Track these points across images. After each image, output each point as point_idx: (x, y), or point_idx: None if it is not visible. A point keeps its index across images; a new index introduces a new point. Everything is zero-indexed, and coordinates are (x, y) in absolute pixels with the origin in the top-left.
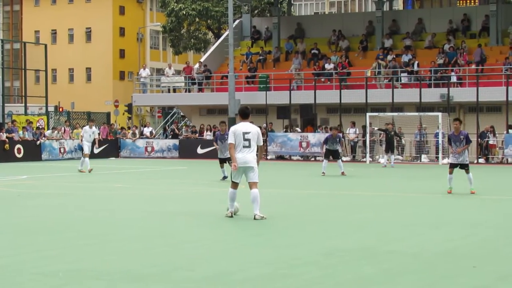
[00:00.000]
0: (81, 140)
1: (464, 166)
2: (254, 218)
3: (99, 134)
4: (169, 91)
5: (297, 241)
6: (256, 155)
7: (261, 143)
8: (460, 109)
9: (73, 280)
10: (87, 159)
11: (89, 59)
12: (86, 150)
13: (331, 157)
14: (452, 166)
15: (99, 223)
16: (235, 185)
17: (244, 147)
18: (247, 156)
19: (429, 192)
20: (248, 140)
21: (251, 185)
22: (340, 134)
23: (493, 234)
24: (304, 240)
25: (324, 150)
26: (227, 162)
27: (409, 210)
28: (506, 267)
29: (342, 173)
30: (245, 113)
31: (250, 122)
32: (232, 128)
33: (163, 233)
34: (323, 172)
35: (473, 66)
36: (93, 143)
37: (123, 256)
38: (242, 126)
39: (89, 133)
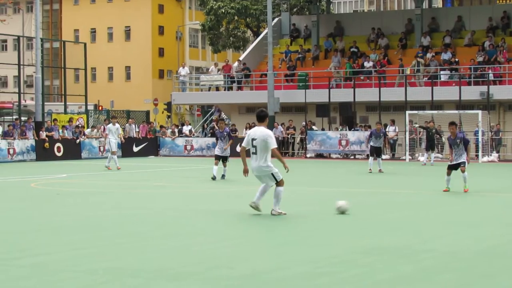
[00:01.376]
0: (105, 138)
1: (460, 164)
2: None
3: (138, 132)
4: (209, 90)
5: (334, 239)
6: (267, 164)
7: (273, 146)
8: (500, 107)
9: (112, 278)
10: (115, 156)
11: (128, 58)
12: (114, 147)
13: (375, 155)
14: (450, 168)
15: (138, 221)
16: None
17: (252, 153)
18: (255, 165)
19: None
20: (255, 147)
21: (276, 184)
22: (384, 130)
23: None
24: (341, 238)
25: (368, 147)
26: (221, 160)
27: (446, 208)
28: None
29: (380, 170)
30: (259, 116)
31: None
32: (248, 131)
33: (201, 231)
34: (370, 169)
35: None
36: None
37: (162, 254)
38: (254, 131)
39: (113, 131)
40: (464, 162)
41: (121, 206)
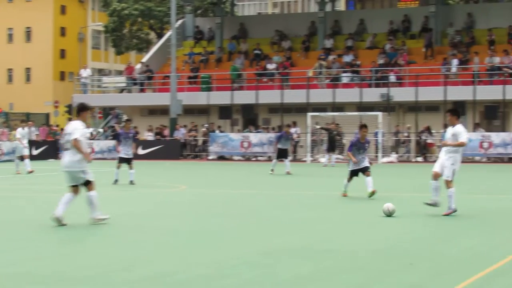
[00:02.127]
0: (20, 142)
1: (366, 169)
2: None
3: (37, 135)
4: (122, 91)
5: (237, 241)
6: (78, 160)
7: (72, 137)
8: (399, 109)
9: (8, 285)
10: (27, 160)
11: (28, 59)
12: (26, 151)
13: (281, 157)
14: (353, 174)
15: (33, 226)
16: (71, 188)
17: (65, 149)
18: (66, 161)
19: (366, 191)
20: (68, 142)
21: (87, 188)
22: (292, 131)
23: (426, 232)
24: (243, 239)
25: (276, 148)
26: (126, 163)
27: (346, 209)
28: (441, 264)
29: (288, 172)
30: (77, 109)
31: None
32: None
33: (97, 234)
34: (272, 170)
35: (423, 49)
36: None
37: (58, 258)
38: (67, 126)
39: (23, 134)
40: (368, 166)
41: (16, 210)
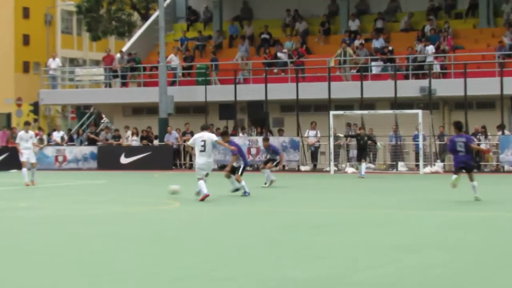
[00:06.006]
0: (19, 149)
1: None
2: None
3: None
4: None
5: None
6: None
7: None
8: (444, 106)
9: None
10: (34, 169)
11: None
12: (33, 159)
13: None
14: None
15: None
16: None
17: None
18: None
19: (406, 208)
20: None
21: None
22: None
23: (479, 258)
24: (252, 270)
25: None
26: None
27: (383, 230)
28: None
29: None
30: None
31: None
32: None
33: (79, 260)
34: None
35: None
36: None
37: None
38: None
39: (25, 139)
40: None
41: None
